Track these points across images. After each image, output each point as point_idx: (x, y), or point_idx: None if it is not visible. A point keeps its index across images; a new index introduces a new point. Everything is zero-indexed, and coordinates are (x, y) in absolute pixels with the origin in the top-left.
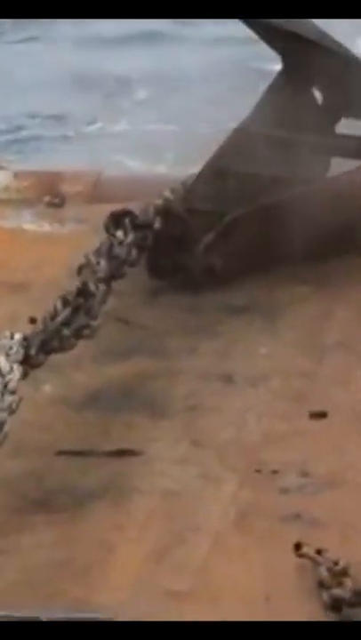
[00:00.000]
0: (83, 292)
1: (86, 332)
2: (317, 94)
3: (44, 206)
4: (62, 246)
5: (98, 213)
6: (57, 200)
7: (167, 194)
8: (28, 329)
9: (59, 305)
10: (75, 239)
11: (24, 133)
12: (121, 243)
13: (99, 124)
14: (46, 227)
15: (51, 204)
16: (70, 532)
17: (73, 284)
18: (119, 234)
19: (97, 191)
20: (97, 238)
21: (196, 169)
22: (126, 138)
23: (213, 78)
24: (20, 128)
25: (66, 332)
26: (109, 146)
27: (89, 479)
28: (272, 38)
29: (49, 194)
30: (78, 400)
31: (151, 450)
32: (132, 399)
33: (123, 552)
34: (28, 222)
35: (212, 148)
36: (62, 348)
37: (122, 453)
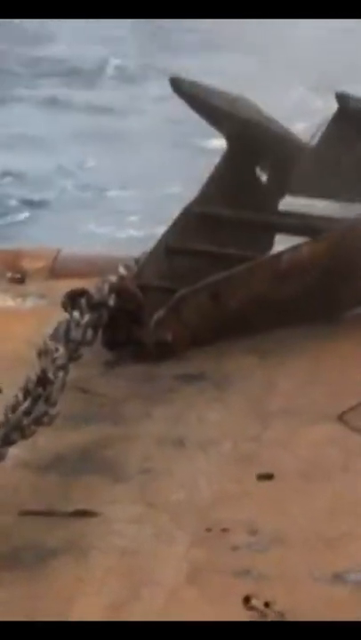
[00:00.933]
0: (42, 380)
1: (45, 419)
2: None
3: (6, 282)
4: (25, 320)
5: (57, 289)
6: (19, 276)
7: (121, 270)
8: None
9: (20, 396)
10: (37, 314)
11: None
12: (78, 324)
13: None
14: (9, 302)
15: (13, 280)
16: (34, 587)
17: (34, 364)
18: (75, 315)
19: (56, 267)
20: (57, 312)
21: (160, 228)
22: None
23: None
24: None
25: (26, 421)
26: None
27: (52, 537)
28: (217, 121)
29: (11, 270)
30: (41, 464)
31: (109, 510)
32: (91, 463)
33: (82, 605)
34: None
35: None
36: (23, 437)
37: (82, 514)
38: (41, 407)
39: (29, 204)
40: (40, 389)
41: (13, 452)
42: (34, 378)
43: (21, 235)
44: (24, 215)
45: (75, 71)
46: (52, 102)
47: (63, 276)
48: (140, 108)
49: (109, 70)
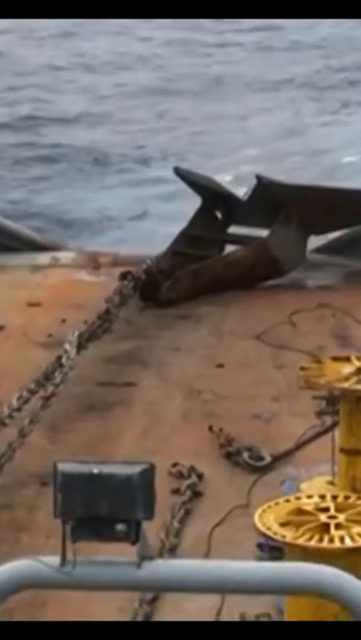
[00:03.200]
0: (107, 312)
1: (108, 330)
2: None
3: (90, 269)
4: (100, 287)
5: (116, 272)
6: (96, 265)
7: (148, 262)
8: (82, 325)
9: (95, 318)
10: (105, 284)
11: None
12: (126, 287)
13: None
14: (92, 278)
15: (94, 268)
16: (103, 422)
17: (103, 306)
18: (125, 283)
19: (115, 261)
20: (115, 283)
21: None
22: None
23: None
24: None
25: (99, 331)
26: None
27: (112, 396)
28: (197, 188)
29: (93, 262)
30: (106, 359)
31: (141, 383)
32: (131, 358)
33: (129, 431)
34: (84, 276)
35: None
36: (96, 339)
37: (127, 384)
38: (106, 325)
39: None
40: (105, 315)
41: (91, 352)
42: (102, 311)
43: None
44: None
45: None
46: None
47: (119, 266)
48: None
49: None
